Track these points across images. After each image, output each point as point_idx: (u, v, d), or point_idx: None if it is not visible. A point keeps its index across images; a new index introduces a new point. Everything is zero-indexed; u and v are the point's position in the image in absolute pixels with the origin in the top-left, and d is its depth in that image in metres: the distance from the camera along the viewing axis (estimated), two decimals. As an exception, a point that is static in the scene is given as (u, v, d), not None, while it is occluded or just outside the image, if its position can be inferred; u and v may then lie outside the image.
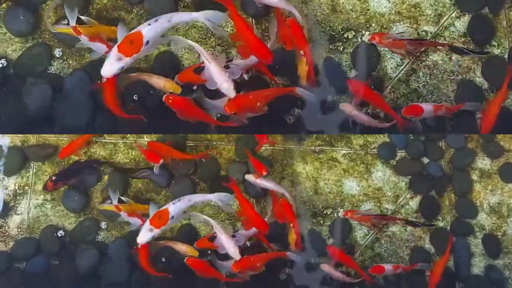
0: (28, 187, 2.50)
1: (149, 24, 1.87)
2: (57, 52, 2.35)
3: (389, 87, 2.39)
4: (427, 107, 2.29)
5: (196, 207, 2.43)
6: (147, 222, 2.07)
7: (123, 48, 1.84)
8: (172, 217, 2.07)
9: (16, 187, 2.50)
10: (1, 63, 2.33)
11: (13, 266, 2.45)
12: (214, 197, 2.24)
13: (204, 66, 2.04)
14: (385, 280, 2.54)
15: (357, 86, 2.29)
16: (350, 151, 2.57)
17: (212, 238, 2.29)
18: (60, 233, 2.46)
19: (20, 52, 2.34)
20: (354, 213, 2.47)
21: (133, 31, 1.87)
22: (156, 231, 2.05)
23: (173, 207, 2.08)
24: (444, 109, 2.29)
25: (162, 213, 2.07)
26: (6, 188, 2.49)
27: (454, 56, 2.32)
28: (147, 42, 1.86)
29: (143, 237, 2.06)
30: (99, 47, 2.16)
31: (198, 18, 1.96)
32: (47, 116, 2.30)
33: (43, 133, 2.20)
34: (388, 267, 2.45)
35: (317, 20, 2.35)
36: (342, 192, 2.57)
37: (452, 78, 2.38)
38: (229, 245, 2.18)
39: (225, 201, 2.24)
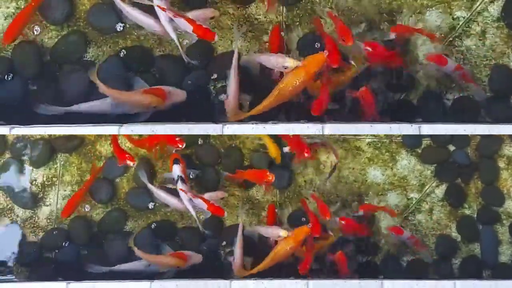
0: (56, 179, 2.53)
1: None
2: (119, 27, 2.39)
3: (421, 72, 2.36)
4: (451, 63, 2.28)
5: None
6: None
7: None
8: None
9: (45, 179, 2.52)
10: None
11: (44, 256, 2.49)
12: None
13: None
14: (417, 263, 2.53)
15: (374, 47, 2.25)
16: (374, 140, 2.54)
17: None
18: (86, 207, 2.48)
19: (56, 40, 2.37)
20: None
21: None
22: None
23: None
24: (463, 73, 2.27)
25: None
26: (35, 180, 2.52)
27: (488, 41, 2.27)
28: None
29: None
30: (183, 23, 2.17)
31: None
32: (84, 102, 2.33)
33: (78, 124, 2.23)
34: (407, 233, 2.47)
35: (348, 6, 2.31)
36: (367, 180, 2.55)
37: (485, 63, 2.34)
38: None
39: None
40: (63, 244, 2.48)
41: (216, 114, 2.34)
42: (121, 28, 2.39)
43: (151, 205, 2.50)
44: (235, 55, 2.29)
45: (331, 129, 2.09)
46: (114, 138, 2.38)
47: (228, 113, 2.32)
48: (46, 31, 2.39)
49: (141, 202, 2.50)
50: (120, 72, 2.37)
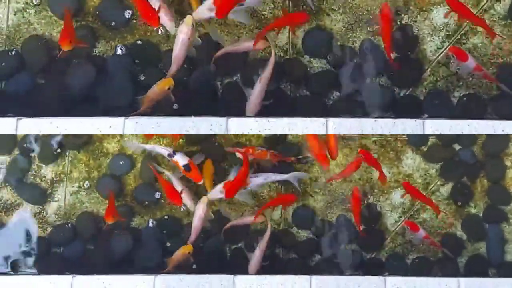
0: (64, 175, 2.57)
1: None
2: (127, 14, 2.44)
3: (428, 69, 2.36)
4: (471, 62, 2.28)
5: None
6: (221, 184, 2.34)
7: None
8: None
9: (53, 175, 2.56)
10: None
11: (52, 251, 2.53)
12: (290, 177, 2.41)
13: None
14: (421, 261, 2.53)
15: None
16: (380, 138, 2.55)
17: None
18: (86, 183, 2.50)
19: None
20: (255, 150, 2.45)
21: None
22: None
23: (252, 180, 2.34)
24: (482, 74, 2.30)
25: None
26: (44, 176, 2.56)
27: (495, 39, 2.27)
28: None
29: (213, 195, 2.38)
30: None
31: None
32: (90, 97, 2.38)
33: (86, 116, 2.26)
34: (422, 232, 2.46)
35: (355, 2, 2.32)
36: (372, 178, 2.56)
37: (492, 61, 2.33)
38: None
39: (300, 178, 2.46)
40: (71, 239, 2.52)
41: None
42: (129, 15, 2.42)
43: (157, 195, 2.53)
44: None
45: (334, 124, 2.10)
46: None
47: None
48: (55, 26, 2.43)
49: (147, 198, 2.53)
50: (128, 66, 2.41)
